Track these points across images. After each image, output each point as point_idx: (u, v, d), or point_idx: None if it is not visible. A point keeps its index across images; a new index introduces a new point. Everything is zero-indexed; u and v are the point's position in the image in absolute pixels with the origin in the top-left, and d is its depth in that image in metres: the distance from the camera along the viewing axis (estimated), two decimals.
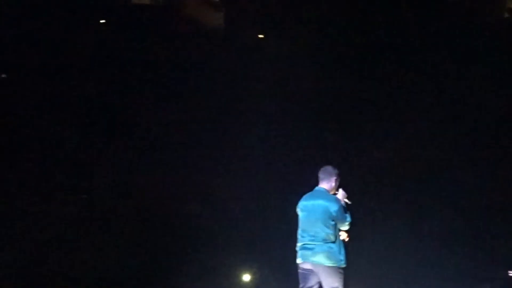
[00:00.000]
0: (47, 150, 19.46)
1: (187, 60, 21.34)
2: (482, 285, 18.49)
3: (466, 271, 18.93)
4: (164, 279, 18.23)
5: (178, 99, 20.48)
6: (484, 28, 22.30)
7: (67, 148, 19.68)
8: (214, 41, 22.44)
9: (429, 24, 22.21)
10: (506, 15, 24.40)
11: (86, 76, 20.81)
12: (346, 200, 10.43)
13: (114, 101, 20.56)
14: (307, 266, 10.11)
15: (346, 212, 10.25)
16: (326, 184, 10.40)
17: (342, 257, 10.14)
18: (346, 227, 10.24)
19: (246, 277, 19.42)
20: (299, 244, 10.23)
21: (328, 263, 10.02)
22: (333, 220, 10.11)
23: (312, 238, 10.09)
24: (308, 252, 10.10)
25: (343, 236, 10.20)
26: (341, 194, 10.43)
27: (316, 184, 10.44)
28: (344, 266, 10.11)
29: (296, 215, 10.29)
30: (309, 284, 10.10)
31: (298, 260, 10.20)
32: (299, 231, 10.23)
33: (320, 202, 10.20)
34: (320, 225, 10.10)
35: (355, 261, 11.45)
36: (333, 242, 10.08)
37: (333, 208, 10.13)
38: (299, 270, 10.21)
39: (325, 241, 10.06)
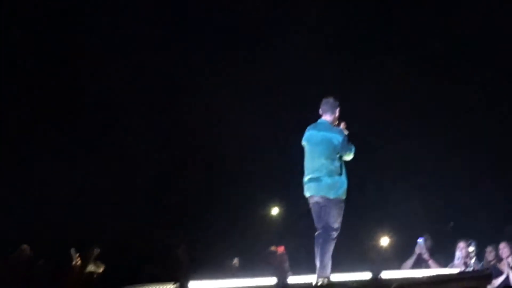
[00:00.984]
0: None
1: None
2: None
3: None
4: None
5: None
6: None
7: None
8: None
9: None
10: None
11: None
12: (345, 130, 10.87)
13: None
14: (314, 199, 10.56)
15: (348, 143, 10.66)
16: (329, 116, 10.77)
17: (345, 189, 10.57)
18: (350, 157, 10.64)
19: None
20: (306, 178, 10.63)
21: (331, 194, 10.44)
22: (337, 153, 10.55)
23: (317, 170, 10.47)
24: (315, 184, 10.50)
25: None
26: (342, 124, 10.87)
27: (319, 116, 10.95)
28: (344, 198, 10.58)
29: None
30: (314, 217, 10.66)
31: (306, 194, 10.65)
32: (305, 164, 10.66)
33: (324, 134, 10.62)
34: (324, 158, 10.49)
35: None
36: (339, 175, 10.53)
37: (337, 139, 10.53)
38: (310, 206, 10.65)
39: (330, 173, 10.45)
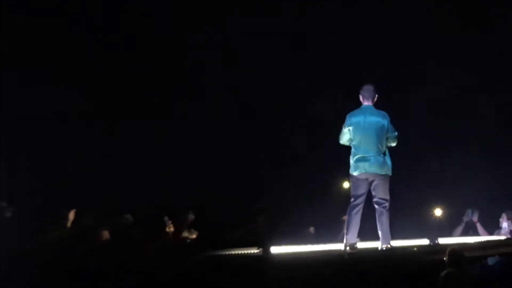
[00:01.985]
0: None
1: None
2: None
3: None
4: None
5: None
6: None
7: None
8: None
9: None
10: None
11: None
12: None
13: None
14: (362, 176, 11.55)
15: (394, 125, 11.69)
16: (371, 101, 11.71)
17: (391, 167, 11.64)
18: (394, 142, 11.72)
19: None
20: (355, 157, 11.61)
21: (382, 171, 11.53)
22: (386, 135, 11.58)
23: (368, 150, 11.49)
24: (365, 163, 11.52)
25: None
26: None
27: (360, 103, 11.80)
28: (391, 174, 11.65)
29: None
30: (361, 191, 11.58)
31: (355, 172, 11.63)
32: (354, 145, 11.61)
33: (373, 119, 11.59)
34: (374, 139, 11.51)
35: None
36: (384, 154, 11.59)
37: (386, 123, 11.59)
38: (353, 180, 11.71)
39: (379, 153, 11.52)
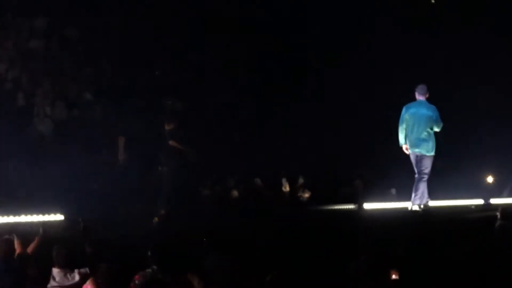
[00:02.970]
0: None
1: None
2: None
3: None
4: None
5: None
6: None
7: None
8: None
9: None
10: None
11: None
12: None
13: None
14: (416, 153, 14.18)
15: (440, 118, 14.11)
16: (422, 96, 14.18)
17: (434, 149, 14.18)
18: (439, 129, 14.17)
19: None
20: (408, 140, 14.21)
21: (427, 153, 14.14)
22: (433, 124, 14.04)
23: (417, 136, 14.08)
24: (413, 144, 14.14)
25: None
26: None
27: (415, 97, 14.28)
28: (434, 154, 14.20)
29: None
30: (414, 163, 14.22)
31: (409, 150, 14.24)
32: (409, 130, 14.16)
33: (424, 111, 14.08)
34: (423, 128, 14.05)
35: None
36: (432, 139, 14.13)
37: (434, 115, 14.08)
38: (411, 155, 14.27)
39: (426, 138, 14.09)
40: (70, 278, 9.67)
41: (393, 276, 9.57)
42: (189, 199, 15.43)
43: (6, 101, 16.44)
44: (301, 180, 18.36)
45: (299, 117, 19.84)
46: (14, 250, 9.93)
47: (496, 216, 13.16)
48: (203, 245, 10.52)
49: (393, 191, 18.13)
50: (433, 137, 14.29)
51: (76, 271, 9.70)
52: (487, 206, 16.06)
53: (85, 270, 9.68)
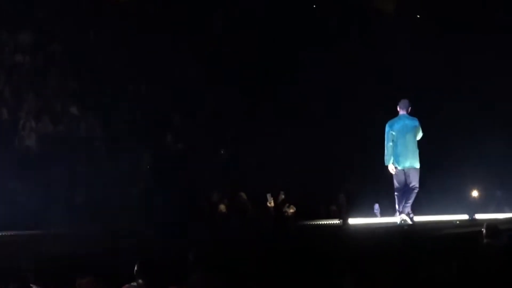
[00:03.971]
0: None
1: None
2: None
3: None
4: None
5: None
6: None
7: None
8: None
9: None
10: None
11: None
12: None
13: None
14: (401, 168, 14.03)
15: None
16: (405, 111, 14.18)
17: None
18: (420, 137, 14.12)
19: None
20: (396, 156, 14.06)
21: (416, 166, 14.08)
22: (417, 134, 14.05)
23: (407, 148, 14.03)
24: (403, 159, 14.04)
25: None
26: None
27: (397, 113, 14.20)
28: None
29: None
30: (402, 180, 14.10)
31: (395, 165, 14.06)
32: (397, 145, 14.02)
33: (409, 123, 14.10)
34: (410, 139, 14.05)
35: None
36: (417, 150, 14.10)
37: (417, 125, 14.09)
38: (395, 172, 14.09)
39: (414, 150, 14.07)
40: None
41: None
42: (177, 213, 15.45)
43: None
44: (281, 196, 18.52)
45: (283, 133, 19.94)
46: None
47: (481, 231, 12.69)
48: (189, 260, 10.45)
49: (376, 206, 18.40)
50: (417, 149, 14.32)
51: None
52: (472, 222, 16.03)
53: None
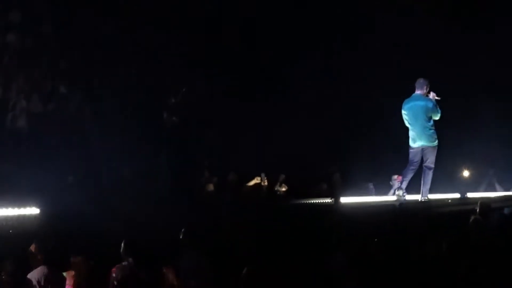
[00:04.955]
0: None
1: None
2: None
3: None
4: None
5: None
6: None
7: None
8: None
9: None
10: None
11: None
12: (437, 98, 14.21)
13: None
14: (416, 147, 14.21)
15: (437, 107, 14.12)
16: (420, 91, 14.25)
17: (437, 139, 14.23)
18: (438, 117, 14.20)
19: None
20: (411, 134, 14.23)
21: (430, 144, 14.20)
22: (429, 114, 14.06)
23: (419, 127, 14.12)
24: (417, 138, 14.18)
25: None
26: (431, 95, 14.22)
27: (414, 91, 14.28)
28: (437, 145, 14.23)
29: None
30: (417, 159, 14.27)
31: (411, 143, 14.27)
32: (410, 124, 14.20)
33: (419, 103, 14.16)
34: (422, 119, 14.10)
35: None
36: (431, 129, 14.17)
37: (429, 105, 14.08)
38: (410, 150, 14.31)
39: (425, 130, 14.11)
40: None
41: None
42: (166, 194, 15.39)
43: None
44: (282, 176, 18.47)
45: (275, 113, 19.89)
46: None
47: (474, 209, 13.25)
48: (179, 240, 10.38)
49: (371, 185, 18.30)
50: (433, 128, 14.36)
51: None
52: (464, 200, 16.13)
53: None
